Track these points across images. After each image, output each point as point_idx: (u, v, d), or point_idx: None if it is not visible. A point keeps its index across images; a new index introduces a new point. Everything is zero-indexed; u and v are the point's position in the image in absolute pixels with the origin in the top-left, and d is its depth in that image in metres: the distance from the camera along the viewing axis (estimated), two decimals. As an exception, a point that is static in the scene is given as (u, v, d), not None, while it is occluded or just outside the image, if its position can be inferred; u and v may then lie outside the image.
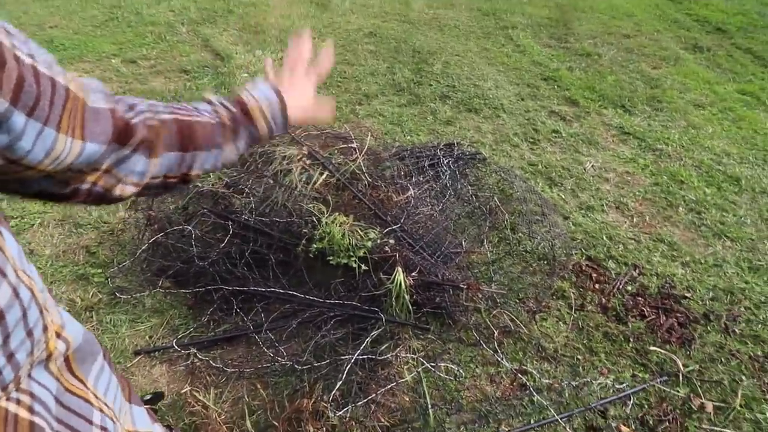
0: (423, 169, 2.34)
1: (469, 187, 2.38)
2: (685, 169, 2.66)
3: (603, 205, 2.37)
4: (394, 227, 1.79)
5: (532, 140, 2.90)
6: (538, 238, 2.12)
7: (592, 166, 2.67)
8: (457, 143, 2.65)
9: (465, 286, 1.64)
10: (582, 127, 3.07)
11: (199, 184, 1.98)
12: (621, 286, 1.90)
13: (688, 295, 1.91)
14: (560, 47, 4.29)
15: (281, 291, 1.59)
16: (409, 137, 2.83)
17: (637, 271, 1.98)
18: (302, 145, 2.04)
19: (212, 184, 1.90)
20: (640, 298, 1.86)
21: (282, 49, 3.75)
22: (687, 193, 2.48)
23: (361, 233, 1.61)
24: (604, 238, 2.15)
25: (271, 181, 1.88)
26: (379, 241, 1.64)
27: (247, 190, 1.82)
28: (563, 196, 2.43)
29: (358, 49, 3.93)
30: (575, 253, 2.07)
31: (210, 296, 1.66)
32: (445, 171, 2.38)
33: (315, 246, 1.60)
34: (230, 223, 1.73)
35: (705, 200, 2.45)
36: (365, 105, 3.14)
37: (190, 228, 1.72)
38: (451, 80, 3.52)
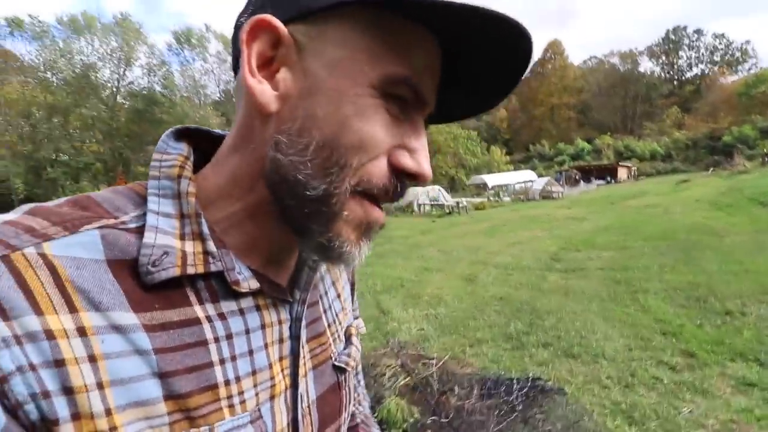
0: (491, 391, 2.85)
1: (538, 414, 2.67)
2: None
3: (687, 449, 2.21)
4: (441, 419, 2.37)
5: (625, 384, 2.98)
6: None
7: (690, 411, 2.54)
8: (537, 377, 3.06)
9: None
10: (692, 375, 2.97)
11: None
12: None
13: None
14: (696, 307, 4.31)
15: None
16: (501, 372, 3.36)
17: None
18: (398, 358, 3.01)
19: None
20: None
21: (427, 308, 5.16)
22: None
23: (406, 410, 2.29)
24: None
25: (372, 380, 2.83)
26: (419, 426, 2.26)
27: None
28: (641, 436, 2.39)
29: (486, 308, 4.99)
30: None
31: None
32: (515, 395, 2.79)
33: (375, 416, 2.35)
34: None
35: None
36: (475, 347, 3.93)
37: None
38: (558, 332, 4.03)
